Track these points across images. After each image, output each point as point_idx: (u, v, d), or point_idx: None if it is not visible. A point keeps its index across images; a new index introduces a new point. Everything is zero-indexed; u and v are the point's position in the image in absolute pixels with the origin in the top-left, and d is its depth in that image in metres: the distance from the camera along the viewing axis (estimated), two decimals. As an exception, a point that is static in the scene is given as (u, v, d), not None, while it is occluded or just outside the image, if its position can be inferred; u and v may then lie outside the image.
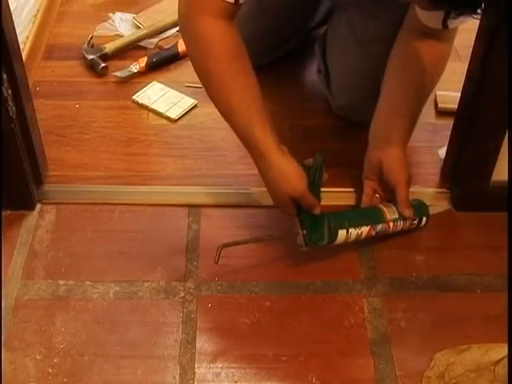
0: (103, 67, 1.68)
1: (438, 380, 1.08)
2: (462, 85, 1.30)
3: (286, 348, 1.14)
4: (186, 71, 1.70)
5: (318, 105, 1.61)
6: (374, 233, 1.24)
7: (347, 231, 1.21)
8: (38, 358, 1.11)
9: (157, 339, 1.15)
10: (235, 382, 1.09)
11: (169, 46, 1.77)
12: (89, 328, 1.16)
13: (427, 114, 1.59)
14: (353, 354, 1.14)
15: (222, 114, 1.18)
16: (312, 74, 1.67)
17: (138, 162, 1.47)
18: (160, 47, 1.79)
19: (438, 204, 1.37)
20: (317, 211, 1.20)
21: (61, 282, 1.23)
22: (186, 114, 1.59)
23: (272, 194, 1.21)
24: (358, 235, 1.22)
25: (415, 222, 1.29)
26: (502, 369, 1.07)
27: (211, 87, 1.16)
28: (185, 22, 1.15)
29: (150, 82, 1.66)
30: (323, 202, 1.23)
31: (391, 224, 1.25)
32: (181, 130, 1.55)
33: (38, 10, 1.76)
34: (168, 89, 1.64)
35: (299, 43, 1.71)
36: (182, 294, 1.21)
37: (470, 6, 0.92)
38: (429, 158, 1.48)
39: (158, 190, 1.40)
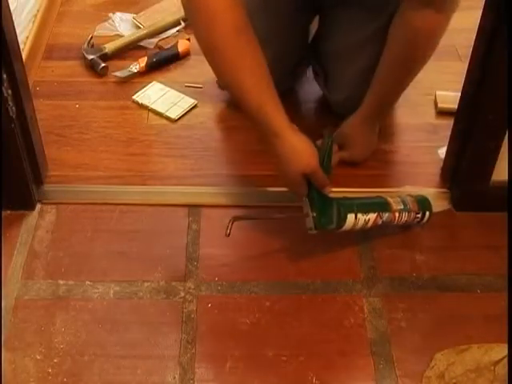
0: (103, 67, 1.68)
1: (437, 380, 1.09)
2: (462, 85, 1.30)
3: (286, 348, 1.14)
4: (186, 71, 1.71)
5: (317, 105, 1.61)
6: (380, 221, 1.24)
7: (355, 216, 1.21)
8: (38, 357, 1.11)
9: (157, 339, 1.15)
10: (235, 381, 1.09)
11: (169, 46, 1.77)
12: (89, 328, 1.16)
13: (427, 114, 1.59)
14: (353, 354, 1.14)
15: (231, 90, 1.16)
16: (311, 73, 1.66)
17: (138, 162, 1.47)
18: (160, 47, 1.79)
19: (439, 204, 1.36)
20: (328, 190, 1.20)
21: (61, 281, 1.23)
22: (186, 114, 1.58)
23: (283, 171, 1.20)
24: (366, 222, 1.22)
25: (419, 215, 1.29)
26: (502, 369, 1.07)
27: (218, 64, 1.14)
28: None
29: (150, 82, 1.66)
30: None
31: (397, 214, 1.25)
32: (181, 130, 1.55)
33: (38, 10, 1.76)
34: (168, 89, 1.64)
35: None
36: (182, 294, 1.21)
37: None
38: (429, 158, 1.48)
39: (158, 189, 1.40)
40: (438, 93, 1.61)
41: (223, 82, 1.16)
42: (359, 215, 1.21)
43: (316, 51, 1.59)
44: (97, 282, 1.23)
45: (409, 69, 1.34)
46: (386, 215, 1.24)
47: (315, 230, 1.19)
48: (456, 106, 1.36)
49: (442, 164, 1.43)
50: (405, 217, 1.27)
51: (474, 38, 1.22)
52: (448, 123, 1.43)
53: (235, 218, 1.17)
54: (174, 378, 1.09)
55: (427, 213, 1.30)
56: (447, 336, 1.16)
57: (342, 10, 1.46)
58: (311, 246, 1.29)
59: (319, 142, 1.24)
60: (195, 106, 1.60)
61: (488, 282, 1.25)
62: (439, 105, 1.59)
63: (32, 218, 1.33)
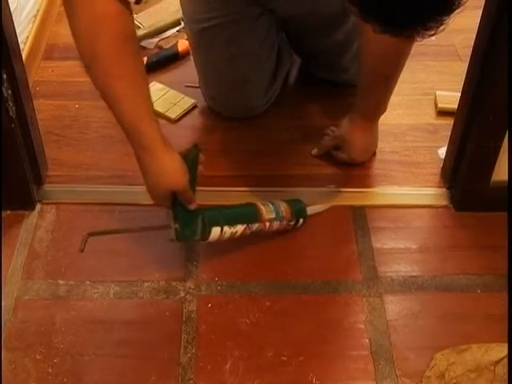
0: (103, 67, 1.68)
1: (437, 380, 1.08)
2: (462, 85, 1.30)
3: (286, 348, 1.14)
4: (185, 71, 1.70)
5: (315, 105, 1.61)
6: (249, 231, 1.22)
7: (221, 229, 1.18)
8: (38, 358, 1.11)
9: (157, 339, 1.15)
10: (235, 381, 1.09)
11: (169, 45, 1.77)
12: (89, 328, 1.16)
13: (427, 114, 1.59)
14: (353, 354, 1.14)
15: (105, 100, 1.11)
16: (308, 74, 1.67)
17: (138, 162, 1.47)
18: (160, 47, 1.79)
19: (316, 207, 1.34)
20: (193, 206, 1.17)
21: (61, 281, 1.23)
22: (186, 114, 1.58)
23: (150, 185, 1.16)
24: (233, 234, 1.20)
25: (292, 223, 1.28)
26: (502, 369, 1.07)
27: (96, 71, 1.08)
28: None
29: (150, 82, 1.66)
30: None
31: (267, 224, 1.23)
32: (181, 130, 1.55)
33: (37, 10, 1.76)
34: (168, 89, 1.64)
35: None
36: (182, 294, 1.21)
37: (396, 28, 0.83)
38: (429, 158, 1.48)
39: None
40: (437, 93, 1.61)
41: (98, 89, 1.10)
42: (225, 228, 1.18)
43: (298, 53, 1.62)
44: (97, 282, 1.23)
45: (388, 77, 1.34)
46: (255, 226, 1.22)
47: (177, 240, 1.17)
48: (456, 106, 1.36)
49: (441, 164, 1.43)
50: (276, 225, 1.25)
51: (474, 38, 1.22)
52: (448, 123, 1.43)
53: (90, 234, 1.14)
54: (174, 377, 1.09)
55: (301, 220, 1.29)
56: (447, 336, 1.16)
57: (313, 16, 1.46)
58: (311, 245, 1.29)
59: (184, 151, 1.20)
60: (195, 106, 1.60)
61: (488, 281, 1.25)
62: (439, 105, 1.59)
63: (32, 217, 1.33)
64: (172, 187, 1.14)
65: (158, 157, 1.12)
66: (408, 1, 0.78)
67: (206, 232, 1.17)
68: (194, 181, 1.19)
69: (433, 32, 0.82)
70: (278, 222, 1.25)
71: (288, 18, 1.50)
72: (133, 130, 1.10)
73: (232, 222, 1.19)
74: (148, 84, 1.11)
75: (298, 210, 1.29)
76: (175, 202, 1.16)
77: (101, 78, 1.08)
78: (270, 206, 1.25)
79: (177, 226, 1.16)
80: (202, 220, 1.17)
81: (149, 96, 1.11)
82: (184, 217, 1.17)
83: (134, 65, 1.08)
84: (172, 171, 1.14)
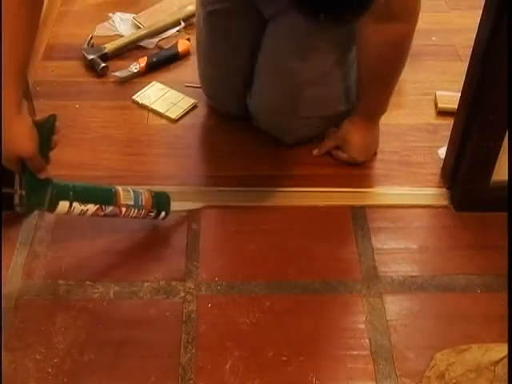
0: (103, 67, 1.68)
1: (437, 380, 1.08)
2: (462, 85, 1.30)
3: (286, 348, 1.14)
4: (186, 71, 1.71)
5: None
6: (102, 213, 1.20)
7: (70, 204, 1.16)
8: (38, 357, 1.11)
9: (157, 339, 1.15)
10: (235, 381, 1.09)
11: (169, 46, 1.77)
12: (89, 328, 1.16)
13: (427, 114, 1.59)
14: (353, 354, 1.14)
15: None
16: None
17: (138, 162, 1.47)
18: (160, 47, 1.79)
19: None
20: (42, 175, 1.14)
21: (61, 281, 1.23)
22: (186, 114, 1.58)
23: None
24: (83, 211, 1.18)
25: (152, 214, 1.27)
26: (502, 369, 1.07)
27: None
28: None
29: (150, 82, 1.66)
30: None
31: (123, 209, 1.22)
32: (181, 130, 1.55)
33: (37, 10, 1.76)
34: (168, 89, 1.64)
35: None
36: (182, 294, 1.21)
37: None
38: (429, 158, 1.48)
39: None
40: (438, 93, 1.61)
41: None
42: (75, 204, 1.16)
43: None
44: (97, 282, 1.23)
45: (387, 79, 1.35)
46: (109, 208, 1.20)
47: (21, 207, 1.15)
48: (456, 106, 1.36)
49: (441, 164, 1.43)
50: (134, 213, 1.24)
51: (474, 38, 1.22)
52: (448, 123, 1.44)
53: None
54: (174, 377, 1.09)
55: (163, 213, 1.28)
56: (447, 336, 1.16)
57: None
58: (311, 245, 1.29)
59: (41, 120, 1.16)
60: (195, 106, 1.60)
61: (488, 282, 1.25)
62: (439, 105, 1.59)
63: (32, 218, 1.33)
64: (18, 152, 1.11)
65: (8, 119, 1.08)
66: None
67: (53, 204, 1.15)
68: (46, 149, 1.15)
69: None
70: (136, 210, 1.24)
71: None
72: None
73: (83, 200, 1.17)
74: (32, 47, 1.07)
75: (160, 202, 1.28)
76: (24, 168, 1.13)
77: None
78: (131, 193, 1.23)
79: (22, 192, 1.13)
80: (51, 191, 1.15)
81: (26, 60, 1.08)
82: (31, 184, 1.14)
83: (29, 23, 1.05)
84: (19, 136, 1.10)
